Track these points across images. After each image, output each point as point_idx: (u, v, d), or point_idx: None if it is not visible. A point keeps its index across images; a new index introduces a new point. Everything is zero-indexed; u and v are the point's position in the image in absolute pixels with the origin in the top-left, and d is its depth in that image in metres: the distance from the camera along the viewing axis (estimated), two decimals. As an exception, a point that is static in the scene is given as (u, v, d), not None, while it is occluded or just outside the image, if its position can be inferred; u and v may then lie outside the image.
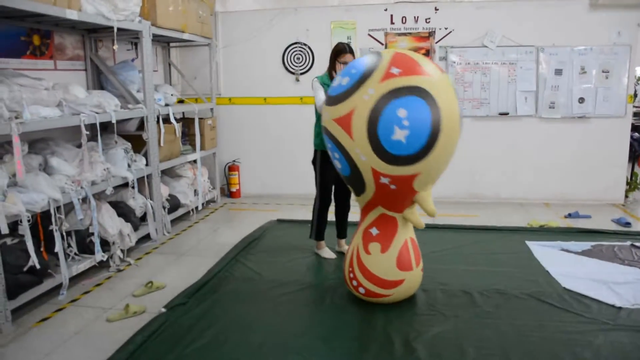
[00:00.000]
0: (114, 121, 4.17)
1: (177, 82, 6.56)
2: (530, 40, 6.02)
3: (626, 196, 6.28)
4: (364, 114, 2.86)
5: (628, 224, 5.34)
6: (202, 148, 5.88)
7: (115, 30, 4.15)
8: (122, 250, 4.26)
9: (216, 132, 6.33)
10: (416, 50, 6.16)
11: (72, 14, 3.63)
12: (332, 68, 4.00)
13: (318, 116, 4.04)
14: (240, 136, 6.68)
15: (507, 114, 6.20)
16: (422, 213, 3.21)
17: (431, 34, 6.19)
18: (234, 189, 6.69)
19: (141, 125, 4.96)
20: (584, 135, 6.13)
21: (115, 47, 4.18)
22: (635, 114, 7.25)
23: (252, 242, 4.75)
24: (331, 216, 4.30)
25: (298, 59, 6.43)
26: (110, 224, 4.16)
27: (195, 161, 5.81)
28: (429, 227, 3.96)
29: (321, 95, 3.84)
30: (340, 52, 3.93)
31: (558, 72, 6.05)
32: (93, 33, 4.68)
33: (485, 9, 6.04)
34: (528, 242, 4.62)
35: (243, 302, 3.48)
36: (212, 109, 6.26)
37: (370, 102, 2.85)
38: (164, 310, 3.31)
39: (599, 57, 5.95)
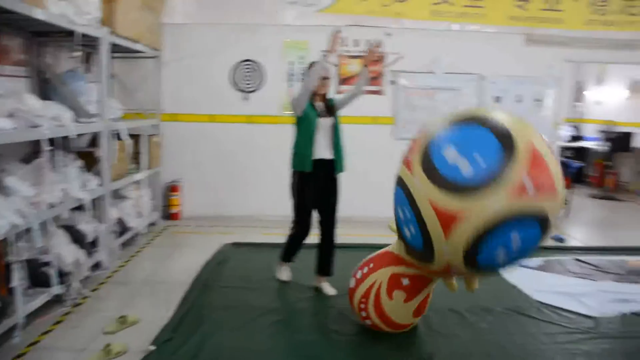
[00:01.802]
0: (74, 135, 3.73)
1: (116, 96, 6.06)
2: (473, 69, 6.34)
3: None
4: (474, 226, 2.41)
5: (562, 240, 5.74)
6: (148, 167, 5.46)
7: (79, 35, 3.74)
8: (79, 282, 3.78)
9: (160, 151, 5.91)
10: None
11: (39, 14, 3.20)
12: None
13: (295, 135, 3.87)
14: (183, 155, 6.30)
15: (450, 137, 6.44)
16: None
17: (381, 58, 6.31)
18: (174, 211, 6.27)
19: (92, 142, 4.49)
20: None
21: (78, 54, 3.76)
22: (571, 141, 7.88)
23: (217, 267, 4.46)
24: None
25: (248, 76, 6.23)
26: (66, 251, 3.68)
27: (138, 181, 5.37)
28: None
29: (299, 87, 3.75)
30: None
31: (497, 99, 6.42)
32: (41, 36, 4.17)
33: (432, 37, 6.27)
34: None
35: (234, 332, 3.26)
36: (157, 126, 5.85)
37: (488, 217, 2.38)
38: (152, 348, 2.96)
39: (532, 87, 6.42)
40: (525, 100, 6.44)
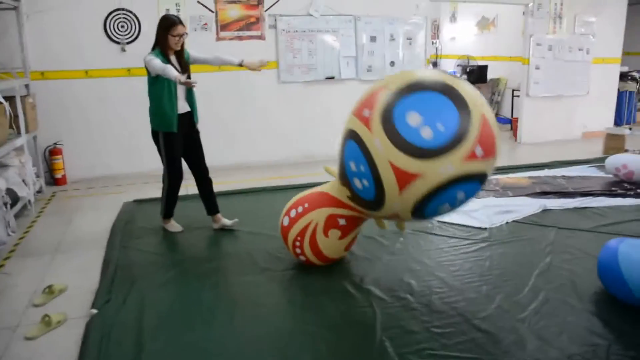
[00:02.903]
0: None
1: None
2: (349, 10, 6.60)
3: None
4: (428, 185, 2.70)
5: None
6: (27, 131, 5.01)
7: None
8: (-16, 259, 3.50)
9: (36, 112, 5.43)
10: (247, 18, 6.22)
11: None
12: (164, 43, 3.79)
13: (154, 95, 3.88)
14: (59, 116, 5.84)
15: (332, 78, 6.73)
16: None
17: (260, 2, 6.29)
18: (58, 175, 5.87)
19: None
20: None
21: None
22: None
23: (127, 226, 4.38)
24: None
25: (123, 27, 5.85)
26: (-35, 229, 3.38)
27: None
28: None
29: (158, 61, 3.67)
30: (172, 25, 3.76)
31: (373, 39, 6.79)
32: None
33: (308, -21, 6.37)
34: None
35: (168, 286, 3.31)
36: (27, 85, 5.32)
37: (442, 178, 2.67)
38: (94, 311, 2.93)
39: (403, 27, 6.87)
40: (397, 39, 6.88)
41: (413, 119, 2.68)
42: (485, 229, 4.17)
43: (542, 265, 3.47)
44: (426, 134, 2.64)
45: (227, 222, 4.27)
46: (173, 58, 3.89)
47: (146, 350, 2.56)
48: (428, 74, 3.05)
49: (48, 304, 3.12)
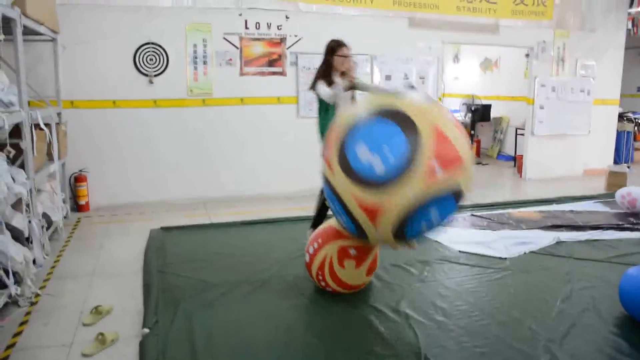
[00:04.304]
0: (6, 127, 3.52)
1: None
2: (366, 50, 6.91)
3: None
4: (395, 215, 2.75)
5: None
6: (59, 157, 5.18)
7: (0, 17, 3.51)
8: (31, 280, 3.62)
9: (67, 140, 5.61)
10: (269, 55, 6.51)
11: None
12: (328, 67, 4.01)
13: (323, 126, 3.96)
14: (86, 144, 6.02)
15: (347, 114, 6.99)
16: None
17: (282, 40, 6.59)
18: (82, 202, 6.01)
19: (11, 133, 4.19)
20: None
21: (2, 37, 3.52)
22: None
23: (158, 253, 4.50)
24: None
25: (151, 60, 6.11)
26: (15, 250, 3.51)
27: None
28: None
29: (325, 89, 3.90)
30: (338, 46, 4.02)
31: (388, 77, 7.09)
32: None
33: (327, 20, 6.68)
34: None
35: (213, 308, 3.42)
36: (59, 114, 5.52)
37: (406, 205, 2.71)
38: (147, 330, 3.05)
39: (417, 66, 7.19)
40: (411, 78, 7.19)
41: (362, 152, 2.74)
42: (505, 259, 4.35)
43: (564, 291, 3.65)
44: (377, 165, 2.68)
45: None
46: (339, 80, 4.01)
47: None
48: (374, 101, 3.10)
49: (97, 324, 3.24)
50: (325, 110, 4.11)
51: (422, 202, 2.70)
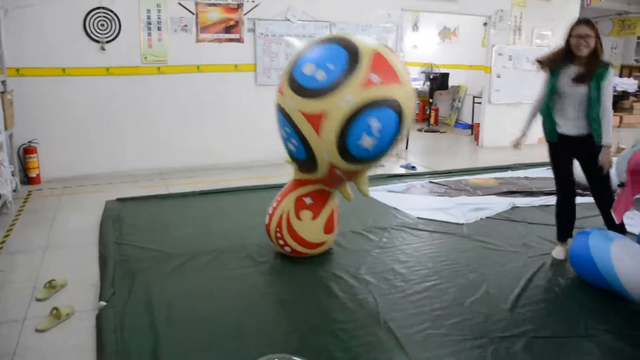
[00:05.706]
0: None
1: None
2: (325, 16, 6.81)
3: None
4: (337, 119, 2.96)
5: (414, 167, 6.73)
6: (5, 128, 4.94)
7: None
8: (-21, 254, 3.48)
9: (14, 109, 5.35)
10: (226, 21, 6.34)
11: None
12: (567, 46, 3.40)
13: (546, 106, 3.61)
14: (36, 114, 5.75)
15: (307, 82, 6.92)
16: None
17: (239, 6, 6.41)
18: (33, 174, 5.77)
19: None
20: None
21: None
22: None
23: (115, 224, 4.40)
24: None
25: (102, 25, 5.85)
26: (-40, 224, 3.35)
27: (-2, 144, 4.86)
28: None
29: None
30: (574, 25, 3.38)
31: (347, 45, 7.03)
32: None
33: (286, -15, 6.54)
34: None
35: (170, 278, 3.39)
36: (4, 82, 5.25)
37: (346, 109, 2.94)
38: (103, 303, 2.99)
39: (376, 33, 7.15)
40: (370, 46, 7.15)
41: (308, 68, 3.07)
42: (463, 224, 4.46)
43: (519, 255, 3.77)
44: (320, 76, 3.00)
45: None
46: (573, 67, 3.37)
47: (162, 335, 2.67)
48: (327, 36, 3.58)
49: (51, 298, 3.15)
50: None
51: (360, 107, 2.93)
